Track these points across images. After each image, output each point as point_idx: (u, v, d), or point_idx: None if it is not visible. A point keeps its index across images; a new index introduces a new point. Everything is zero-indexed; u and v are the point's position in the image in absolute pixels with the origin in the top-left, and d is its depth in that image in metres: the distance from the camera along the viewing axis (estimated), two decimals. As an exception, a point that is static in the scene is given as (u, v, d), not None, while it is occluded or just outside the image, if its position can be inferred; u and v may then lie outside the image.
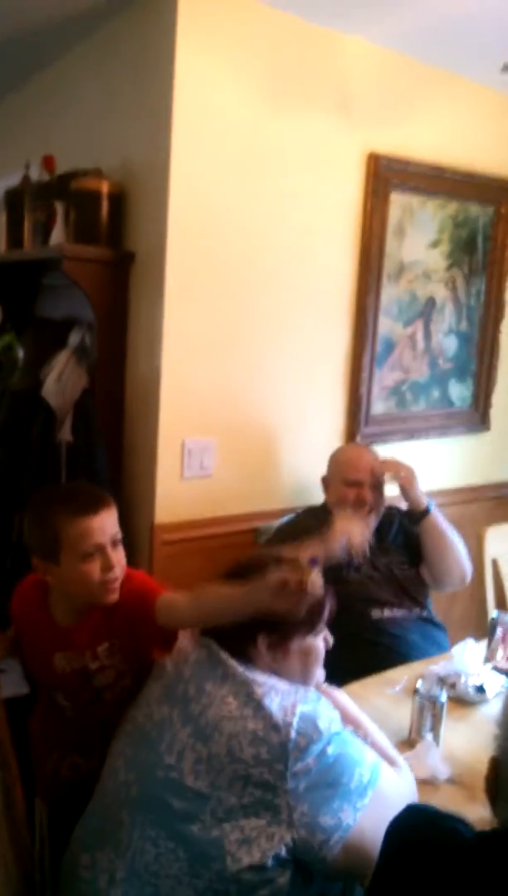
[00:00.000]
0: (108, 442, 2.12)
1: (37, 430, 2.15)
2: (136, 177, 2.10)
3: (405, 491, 2.13)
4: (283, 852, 1.09)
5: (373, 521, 2.07)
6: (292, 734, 1.11)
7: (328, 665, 1.71)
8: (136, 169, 2.11)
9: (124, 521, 1.46)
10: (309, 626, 1.30)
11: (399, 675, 1.72)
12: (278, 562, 1.23)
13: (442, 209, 2.54)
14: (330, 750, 1.13)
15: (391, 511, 2.20)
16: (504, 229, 2.71)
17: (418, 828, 0.85)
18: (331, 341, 2.39)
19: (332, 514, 2.02)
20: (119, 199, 2.12)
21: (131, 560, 1.44)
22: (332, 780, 1.13)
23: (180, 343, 2.05)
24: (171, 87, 1.92)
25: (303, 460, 2.32)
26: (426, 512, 2.11)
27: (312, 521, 2.02)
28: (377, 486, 2.08)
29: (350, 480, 2.06)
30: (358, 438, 2.48)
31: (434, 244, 2.55)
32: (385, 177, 2.34)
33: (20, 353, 2.45)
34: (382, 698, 1.63)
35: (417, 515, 2.12)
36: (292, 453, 2.31)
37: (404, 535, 2.17)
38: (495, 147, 2.63)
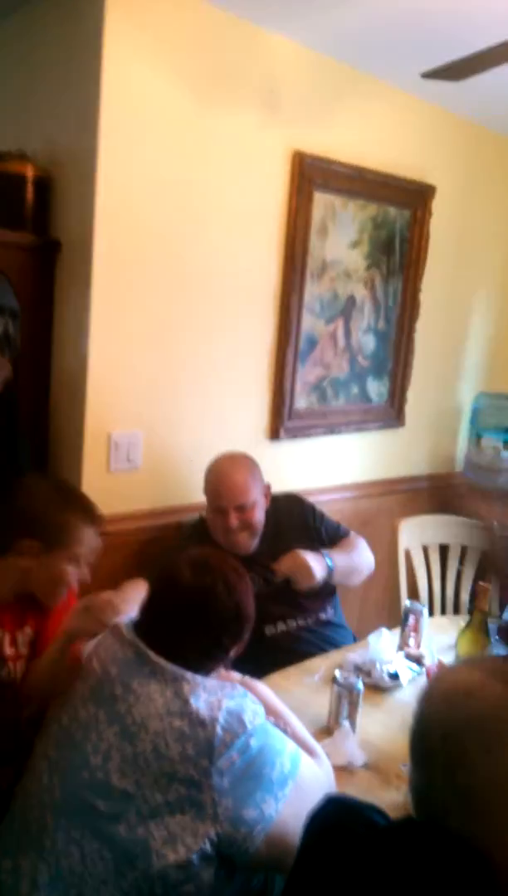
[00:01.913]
0: (32, 435, 2.04)
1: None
2: (62, 163, 2.03)
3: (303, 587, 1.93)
4: (208, 847, 1.09)
5: (249, 538, 1.96)
6: (218, 730, 1.11)
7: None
8: (62, 155, 2.03)
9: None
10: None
11: (318, 664, 1.75)
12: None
13: (363, 210, 2.57)
14: (253, 742, 1.14)
15: (285, 504, 2.15)
16: (420, 232, 2.77)
17: (336, 818, 0.87)
18: (257, 336, 2.39)
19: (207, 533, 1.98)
20: (45, 185, 2.03)
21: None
22: (255, 773, 1.14)
23: (108, 334, 2.00)
24: (98, 74, 1.85)
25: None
26: (328, 577, 1.98)
27: (198, 542, 1.94)
28: (243, 507, 1.94)
29: (214, 507, 1.96)
30: (281, 432, 2.49)
31: (355, 244, 2.58)
32: (309, 176, 2.35)
33: None
34: (302, 688, 1.66)
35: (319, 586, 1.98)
36: (218, 447, 2.29)
37: (302, 527, 2.12)
38: (412, 152, 2.68)
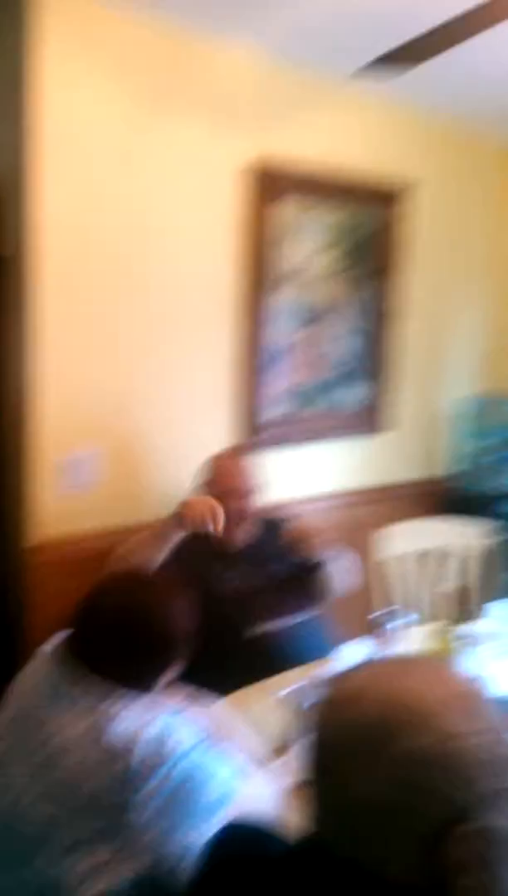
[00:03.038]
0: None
1: None
2: (4, 179, 1.98)
3: (311, 555, 1.96)
4: (128, 884, 0.99)
5: (242, 531, 1.94)
6: (135, 761, 1.02)
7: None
8: (4, 170, 1.98)
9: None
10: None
11: (282, 681, 1.64)
12: None
13: (328, 215, 2.49)
14: (179, 770, 1.04)
15: (268, 520, 2.07)
16: (394, 234, 2.69)
17: (231, 846, 0.79)
18: (219, 348, 2.31)
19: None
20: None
21: (4, 577, 1.33)
22: (181, 801, 1.04)
23: (56, 351, 1.94)
24: (37, 88, 1.81)
25: (192, 468, 2.17)
26: (320, 563, 1.96)
27: (185, 541, 1.88)
28: (246, 495, 1.93)
29: (220, 492, 1.89)
30: (252, 444, 2.39)
31: (322, 250, 2.51)
32: (270, 182, 2.28)
33: None
34: (261, 706, 1.55)
35: (313, 566, 1.97)
36: (182, 461, 2.21)
37: (284, 542, 2.03)
38: (377, 155, 2.61)
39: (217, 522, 1.78)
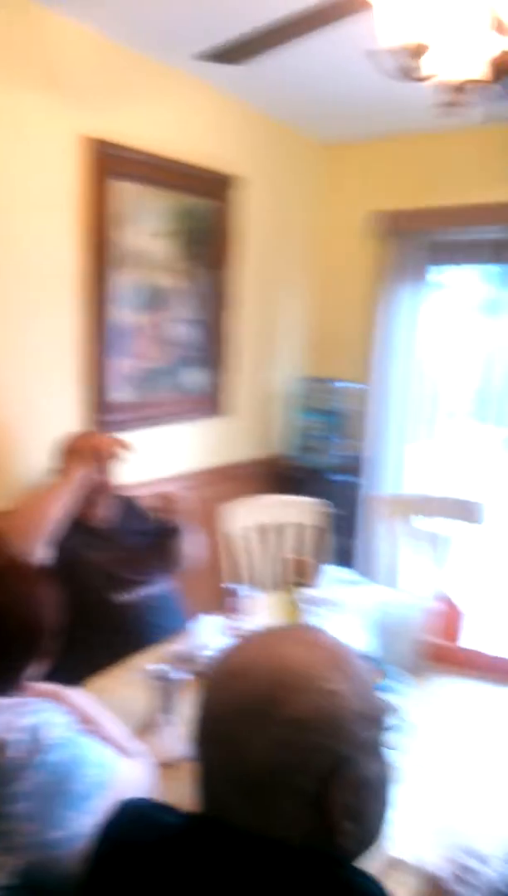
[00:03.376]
0: None
1: None
2: None
3: (176, 518, 2.02)
4: (14, 877, 0.97)
5: (105, 505, 1.99)
6: (11, 753, 1.00)
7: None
8: None
9: None
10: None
11: (142, 660, 1.67)
12: None
13: (166, 200, 2.50)
14: (53, 758, 1.03)
15: (123, 497, 2.12)
16: (227, 222, 2.75)
17: (126, 826, 0.80)
18: (62, 330, 2.24)
19: None
20: None
21: None
22: (58, 790, 1.03)
23: None
24: None
25: (38, 455, 2.14)
26: (181, 528, 2.04)
27: None
28: (107, 472, 1.98)
29: (78, 447, 1.93)
30: (98, 427, 2.37)
31: (161, 234, 2.51)
32: (106, 163, 2.23)
33: None
34: (126, 686, 1.57)
35: (174, 530, 2.04)
36: (30, 445, 2.13)
37: (138, 517, 2.11)
38: (213, 142, 2.65)
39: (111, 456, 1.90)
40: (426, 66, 1.22)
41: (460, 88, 1.37)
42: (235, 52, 1.63)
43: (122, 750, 1.21)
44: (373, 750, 0.73)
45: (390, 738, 0.76)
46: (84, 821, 1.03)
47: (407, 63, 1.18)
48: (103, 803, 1.06)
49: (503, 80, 1.23)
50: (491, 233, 2.87)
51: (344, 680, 0.72)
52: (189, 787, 1.25)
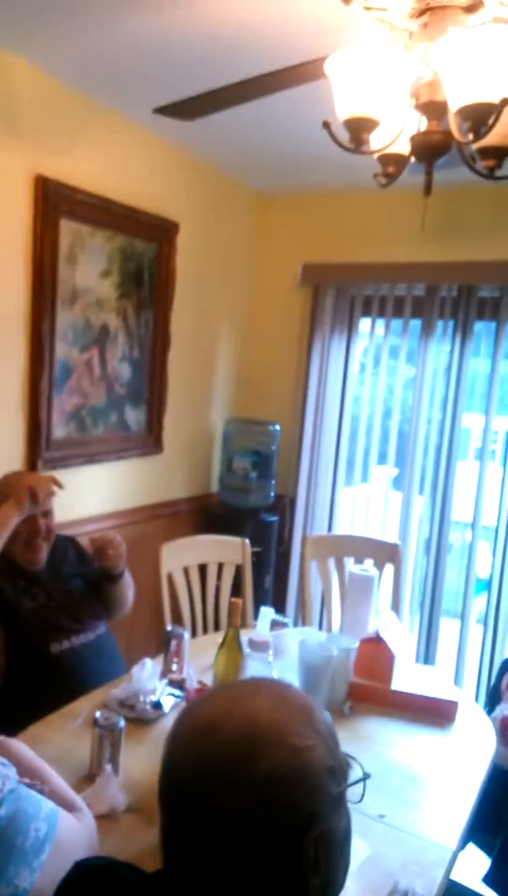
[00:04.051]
0: None
1: None
2: None
3: (114, 564, 1.97)
4: None
5: (46, 549, 1.92)
6: None
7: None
8: None
9: None
10: None
11: (81, 706, 1.61)
12: None
13: (110, 241, 2.50)
14: (2, 812, 0.98)
15: (62, 538, 2.06)
16: (167, 266, 2.78)
17: (85, 889, 0.76)
18: (5, 366, 2.19)
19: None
20: None
21: None
22: (5, 845, 0.97)
23: None
24: None
25: None
26: (122, 573, 2.01)
27: None
28: (49, 513, 1.92)
29: (13, 489, 1.85)
30: (39, 464, 2.31)
31: (105, 274, 2.51)
32: (54, 202, 2.22)
33: None
34: (63, 735, 1.50)
35: (114, 576, 2.00)
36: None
37: (77, 561, 2.06)
38: (155, 188, 2.69)
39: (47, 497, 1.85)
40: (374, 140, 1.30)
41: (397, 161, 1.47)
42: (186, 110, 1.68)
43: (64, 803, 1.15)
44: (340, 805, 0.72)
45: (352, 791, 0.76)
46: (30, 878, 0.97)
47: (358, 136, 1.26)
48: (48, 860, 1.01)
49: (423, 156, 1.32)
50: (414, 290, 3.04)
51: (315, 736, 0.71)
52: (129, 839, 1.21)
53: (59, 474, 2.34)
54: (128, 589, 2.06)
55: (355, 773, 0.75)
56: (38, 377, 2.27)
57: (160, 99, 1.67)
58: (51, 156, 2.21)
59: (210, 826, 0.67)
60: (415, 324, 3.07)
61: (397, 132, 1.31)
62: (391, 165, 1.46)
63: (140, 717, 1.56)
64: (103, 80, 2.17)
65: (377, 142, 1.34)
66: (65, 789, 1.20)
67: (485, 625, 3.00)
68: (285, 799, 0.67)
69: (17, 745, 1.24)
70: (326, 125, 1.27)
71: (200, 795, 0.68)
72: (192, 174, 2.89)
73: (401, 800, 1.41)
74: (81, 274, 2.39)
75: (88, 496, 2.57)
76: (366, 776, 0.77)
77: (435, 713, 1.74)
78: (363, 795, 0.76)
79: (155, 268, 2.73)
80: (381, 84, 1.24)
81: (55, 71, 2.12)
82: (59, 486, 1.94)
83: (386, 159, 1.45)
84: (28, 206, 2.16)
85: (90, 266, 2.43)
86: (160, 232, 2.73)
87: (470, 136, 1.19)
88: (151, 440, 2.86)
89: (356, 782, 0.75)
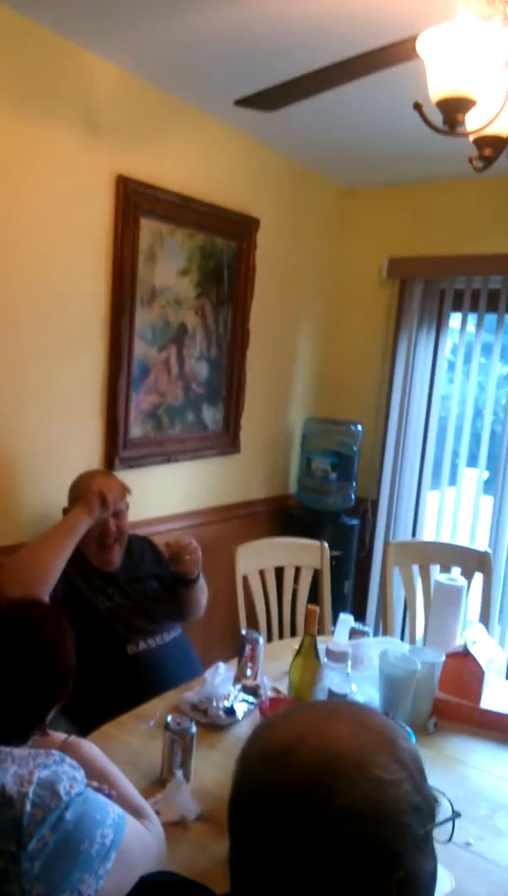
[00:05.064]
0: None
1: None
2: None
3: (190, 569, 1.96)
4: None
5: (119, 550, 1.94)
6: (28, 807, 0.94)
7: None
8: None
9: None
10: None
11: (154, 708, 1.61)
12: None
13: (190, 239, 2.51)
14: (69, 815, 0.98)
15: (139, 538, 2.09)
16: (246, 263, 2.77)
17: None
18: (87, 363, 2.23)
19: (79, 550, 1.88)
20: None
21: None
22: (71, 850, 0.97)
23: None
24: None
25: (58, 488, 2.08)
26: (197, 578, 2.02)
27: None
28: (121, 514, 1.93)
29: (84, 492, 1.88)
30: (116, 462, 2.34)
31: (184, 272, 2.52)
32: (135, 201, 2.25)
33: None
34: (136, 736, 1.50)
35: (190, 581, 2.00)
36: (50, 480, 2.10)
37: (154, 562, 2.07)
38: (236, 184, 2.68)
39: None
40: (470, 120, 1.22)
41: (495, 143, 1.38)
42: (269, 100, 1.65)
43: (132, 809, 1.15)
44: (427, 845, 0.67)
45: (440, 831, 0.70)
46: (95, 886, 0.97)
47: (453, 117, 1.19)
48: (113, 867, 1.01)
49: None
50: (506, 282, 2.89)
51: (400, 769, 0.65)
52: (199, 849, 1.19)
53: (136, 473, 2.40)
54: (202, 593, 2.06)
55: (443, 809, 0.69)
56: (117, 376, 2.31)
57: (241, 91, 1.65)
58: (131, 155, 2.23)
59: (280, 859, 0.63)
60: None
61: (495, 111, 1.24)
62: (489, 148, 1.37)
63: (213, 723, 1.55)
64: (182, 75, 2.17)
65: (473, 123, 1.27)
66: (134, 795, 1.20)
67: None
68: (365, 837, 0.62)
69: (88, 746, 1.25)
70: (417, 107, 1.21)
71: (270, 826, 0.64)
72: (272, 169, 2.87)
73: (489, 828, 1.33)
74: (160, 272, 2.41)
75: (164, 496, 2.59)
76: (456, 815, 0.71)
77: (527, 736, 1.64)
78: (451, 835, 0.69)
79: (234, 265, 2.72)
80: (477, 61, 1.18)
81: (134, 69, 2.15)
82: (128, 491, 1.95)
83: (483, 141, 1.36)
84: (109, 206, 2.19)
85: (169, 264, 2.45)
86: (240, 228, 2.71)
87: None
88: (228, 439, 2.85)
89: (445, 821, 0.69)
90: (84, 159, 2.09)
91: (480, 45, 1.17)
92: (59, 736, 1.21)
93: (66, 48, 1.97)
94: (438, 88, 1.20)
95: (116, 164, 2.19)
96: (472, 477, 3.10)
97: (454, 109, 1.20)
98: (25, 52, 1.88)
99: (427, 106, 1.21)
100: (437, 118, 1.22)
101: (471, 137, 1.35)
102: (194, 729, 1.36)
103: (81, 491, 1.88)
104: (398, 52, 1.38)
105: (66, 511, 1.95)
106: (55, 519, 1.99)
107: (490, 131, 1.30)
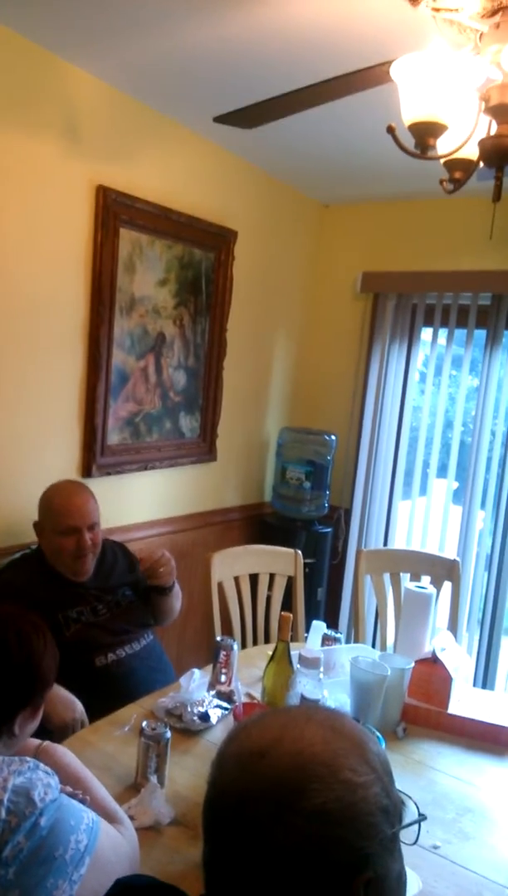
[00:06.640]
0: None
1: None
2: None
3: (165, 581, 1.98)
4: None
5: (92, 560, 1.93)
6: (3, 814, 0.94)
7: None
8: None
9: None
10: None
11: (129, 714, 1.61)
12: None
13: (169, 249, 2.53)
14: (43, 822, 0.98)
15: (111, 544, 2.09)
16: (224, 274, 2.79)
17: None
18: (64, 373, 2.23)
19: (48, 564, 1.87)
20: None
21: None
22: (45, 856, 0.97)
23: None
24: None
25: (35, 496, 2.06)
26: (172, 586, 2.03)
27: (31, 575, 1.86)
28: (95, 526, 1.92)
29: (65, 528, 1.86)
30: (94, 469, 2.34)
31: (163, 282, 2.53)
32: (114, 211, 2.26)
33: None
34: (110, 742, 1.50)
35: (165, 589, 2.02)
36: (27, 486, 2.09)
37: (127, 569, 2.07)
38: (214, 196, 2.71)
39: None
40: (441, 144, 1.26)
41: (465, 167, 1.42)
42: (247, 118, 1.67)
43: (106, 814, 1.15)
44: (394, 847, 0.68)
45: (406, 833, 0.71)
46: (69, 891, 0.97)
47: (424, 141, 1.22)
48: (88, 872, 1.01)
49: (493, 161, 1.27)
50: (478, 298, 2.95)
51: (370, 771, 0.67)
52: (173, 853, 1.19)
53: (113, 480, 2.40)
54: (177, 600, 2.07)
55: (410, 812, 0.71)
56: (95, 384, 2.31)
57: (220, 107, 1.68)
58: (111, 165, 2.25)
59: (253, 859, 0.65)
60: (480, 333, 2.99)
61: (465, 136, 1.28)
62: (459, 171, 1.42)
63: (187, 728, 1.55)
64: (162, 89, 2.20)
65: (444, 146, 1.31)
66: (108, 800, 1.20)
67: (548, 649, 2.87)
68: (335, 837, 0.64)
69: (62, 751, 1.24)
70: (390, 130, 1.24)
71: (244, 826, 0.66)
72: (251, 182, 2.90)
73: (456, 831, 1.35)
74: (138, 282, 2.42)
75: (141, 503, 2.60)
76: (422, 818, 0.73)
77: (494, 740, 1.67)
78: (417, 837, 0.71)
79: (212, 276, 2.74)
80: (449, 87, 1.21)
81: (115, 81, 2.16)
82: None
83: (454, 164, 1.40)
84: (88, 216, 2.20)
85: (148, 274, 2.46)
86: (218, 240, 2.74)
87: (543, 139, 1.14)
88: (204, 448, 2.86)
89: (412, 823, 0.71)
90: (64, 169, 2.10)
91: (452, 72, 1.21)
92: (34, 742, 1.21)
93: (48, 59, 1.98)
94: (410, 113, 1.24)
95: (96, 174, 2.20)
96: (442, 487, 3.15)
97: (425, 133, 1.23)
98: (6, 63, 1.89)
99: (400, 129, 1.25)
100: (409, 141, 1.25)
101: (442, 161, 1.39)
102: (168, 734, 1.37)
103: (48, 504, 1.88)
104: (373, 76, 1.42)
105: (36, 526, 1.93)
106: (28, 527, 1.98)
107: (460, 155, 1.34)
